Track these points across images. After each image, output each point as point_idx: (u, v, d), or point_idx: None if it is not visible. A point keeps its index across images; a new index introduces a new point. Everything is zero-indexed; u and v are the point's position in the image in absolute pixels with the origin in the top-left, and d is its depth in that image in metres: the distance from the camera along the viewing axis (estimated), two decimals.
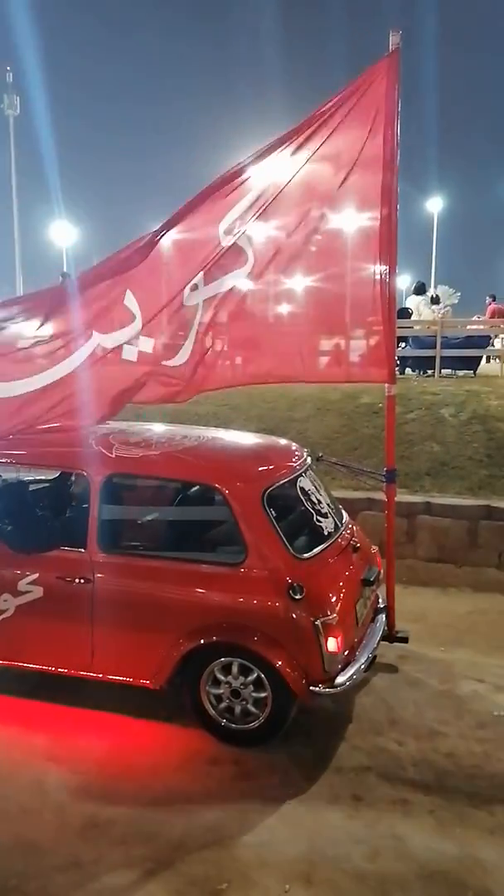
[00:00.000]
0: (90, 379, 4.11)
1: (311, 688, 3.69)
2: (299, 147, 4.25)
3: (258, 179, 4.22)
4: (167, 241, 4.16)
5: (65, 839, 3.24)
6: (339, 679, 3.74)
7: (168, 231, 4.12)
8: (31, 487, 5.08)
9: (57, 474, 5.10)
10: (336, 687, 3.71)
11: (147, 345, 4.21)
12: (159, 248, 4.14)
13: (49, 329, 4.13)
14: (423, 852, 3.15)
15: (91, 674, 4.07)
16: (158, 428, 4.86)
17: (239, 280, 4.42)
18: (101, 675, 4.06)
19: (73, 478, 4.97)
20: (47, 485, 5.15)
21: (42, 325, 4.09)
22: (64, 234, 36.77)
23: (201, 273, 4.22)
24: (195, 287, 4.24)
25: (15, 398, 4.09)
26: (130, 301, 4.11)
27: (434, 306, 13.86)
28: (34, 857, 3.14)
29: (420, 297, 13.87)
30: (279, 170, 4.26)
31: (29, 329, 4.15)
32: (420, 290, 14.26)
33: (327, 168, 4.41)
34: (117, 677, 4.04)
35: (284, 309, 4.86)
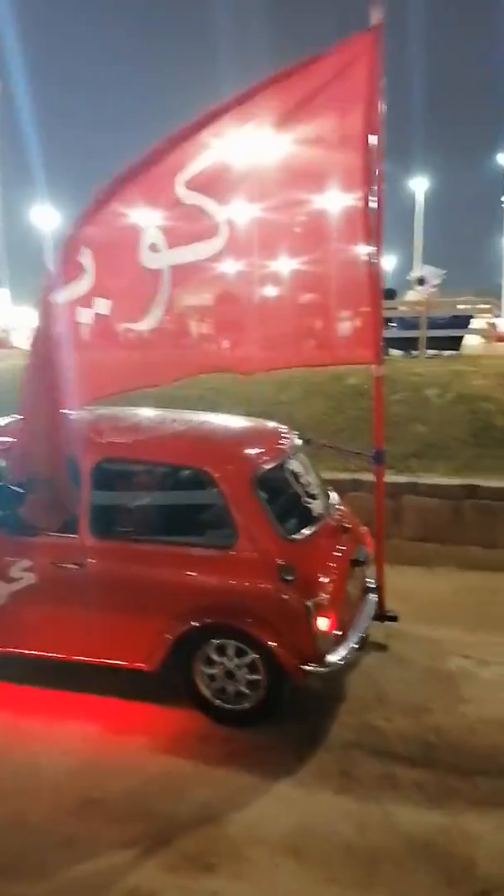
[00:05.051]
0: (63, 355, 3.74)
1: (302, 666, 3.75)
2: (276, 122, 4.12)
3: (226, 146, 4.05)
4: (124, 194, 3.91)
5: (60, 818, 3.30)
6: (331, 658, 3.79)
7: (123, 186, 3.90)
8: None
9: None
10: (327, 666, 3.77)
11: (103, 306, 3.95)
12: (116, 204, 3.90)
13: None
14: (411, 826, 3.23)
15: (86, 658, 4.11)
16: (147, 412, 4.86)
17: (207, 253, 4.27)
18: (96, 660, 4.10)
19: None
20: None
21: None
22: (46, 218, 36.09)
23: (160, 233, 4.03)
24: (155, 248, 4.05)
25: None
26: (85, 258, 3.82)
27: (418, 287, 13.84)
28: (31, 835, 3.19)
29: (421, 288, 13.77)
30: (255, 146, 4.14)
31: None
32: (421, 282, 14.11)
33: (309, 148, 4.33)
34: (113, 661, 4.08)
35: (270, 292, 4.84)
